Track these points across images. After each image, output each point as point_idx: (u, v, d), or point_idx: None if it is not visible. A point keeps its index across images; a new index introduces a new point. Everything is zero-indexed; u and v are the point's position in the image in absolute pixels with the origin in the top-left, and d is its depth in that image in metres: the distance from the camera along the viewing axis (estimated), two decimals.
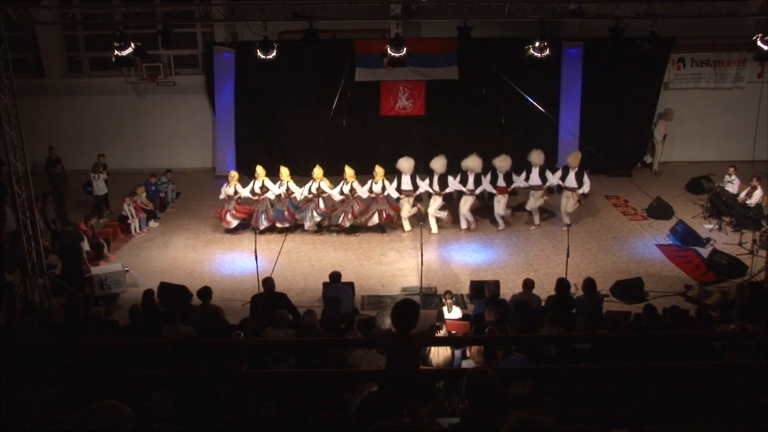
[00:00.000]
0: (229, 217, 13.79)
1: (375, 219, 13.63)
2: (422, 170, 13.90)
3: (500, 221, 13.96)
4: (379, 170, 13.51)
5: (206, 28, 17.04)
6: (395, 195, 13.61)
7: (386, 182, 13.51)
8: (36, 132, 15.69)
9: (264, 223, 13.60)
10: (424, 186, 13.59)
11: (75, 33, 17.37)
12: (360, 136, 17.01)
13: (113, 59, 11.75)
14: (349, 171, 13.59)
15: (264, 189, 13.60)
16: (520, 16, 11.88)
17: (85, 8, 12.36)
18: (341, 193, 13.55)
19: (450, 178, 13.61)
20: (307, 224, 13.78)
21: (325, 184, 13.53)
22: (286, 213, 13.61)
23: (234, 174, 13.86)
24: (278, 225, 13.71)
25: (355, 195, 13.54)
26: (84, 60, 17.69)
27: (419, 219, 13.79)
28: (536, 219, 14.08)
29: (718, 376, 5.60)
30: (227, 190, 13.65)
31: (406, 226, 13.82)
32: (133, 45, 11.53)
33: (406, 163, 13.57)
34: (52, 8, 12.80)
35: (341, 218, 13.61)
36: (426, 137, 16.73)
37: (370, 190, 13.49)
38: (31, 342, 7.80)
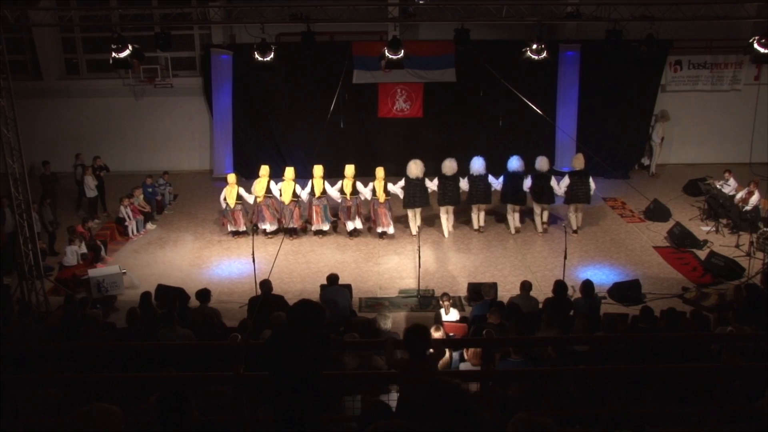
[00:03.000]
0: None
1: (389, 229, 13.58)
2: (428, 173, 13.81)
3: (514, 227, 13.90)
4: (379, 172, 13.42)
5: (204, 30, 17.07)
6: (401, 194, 13.50)
7: (389, 184, 13.43)
8: (33, 134, 15.72)
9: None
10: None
11: (72, 35, 17.38)
12: (358, 138, 17.02)
13: (111, 61, 11.74)
14: (349, 170, 13.47)
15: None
16: (517, 18, 11.90)
17: (83, 10, 12.35)
18: (341, 191, 13.44)
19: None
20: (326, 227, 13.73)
21: (324, 185, 13.48)
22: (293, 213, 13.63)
23: (233, 176, 13.79)
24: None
25: (358, 199, 13.51)
26: (81, 62, 17.69)
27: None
28: (540, 225, 13.92)
29: (716, 378, 5.60)
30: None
31: (414, 229, 13.59)
32: (130, 47, 11.52)
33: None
34: (50, 10, 12.80)
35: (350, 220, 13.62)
36: (424, 139, 16.75)
37: (374, 192, 13.41)
38: (28, 344, 7.77)
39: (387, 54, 12.22)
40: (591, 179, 13.58)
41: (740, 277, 11.54)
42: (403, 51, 12.17)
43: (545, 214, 13.88)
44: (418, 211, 13.63)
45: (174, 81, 17.09)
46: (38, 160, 15.29)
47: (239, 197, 13.54)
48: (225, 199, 13.56)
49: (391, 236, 13.68)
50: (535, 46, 12.12)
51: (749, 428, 4.39)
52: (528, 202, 14.09)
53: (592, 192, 13.66)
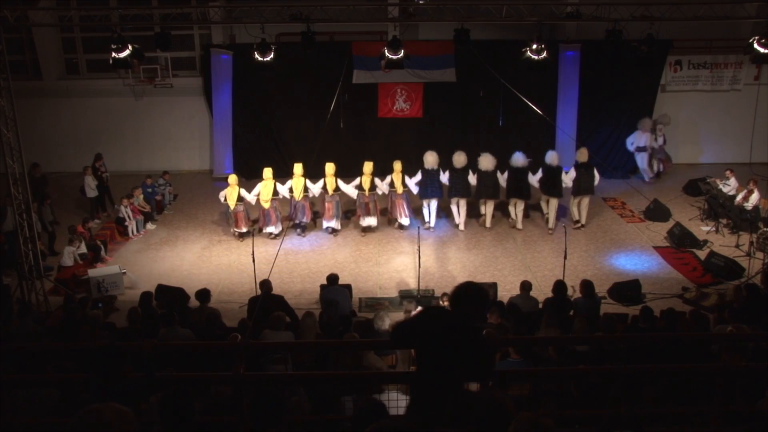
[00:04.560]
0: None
1: (404, 219, 13.93)
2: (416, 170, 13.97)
3: (519, 222, 14.11)
4: (396, 165, 13.73)
5: (204, 30, 17.05)
6: (415, 190, 13.81)
7: (406, 177, 13.75)
8: (33, 134, 15.71)
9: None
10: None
11: (72, 35, 17.37)
12: (358, 138, 17.01)
13: (111, 61, 11.75)
14: (367, 167, 13.71)
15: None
16: (517, 18, 11.90)
17: (83, 10, 12.34)
18: (359, 187, 13.68)
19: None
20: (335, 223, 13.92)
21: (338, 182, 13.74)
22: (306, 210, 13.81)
23: (234, 178, 13.66)
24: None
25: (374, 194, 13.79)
26: (81, 62, 17.68)
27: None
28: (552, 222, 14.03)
29: (716, 378, 5.60)
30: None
31: (426, 217, 14.04)
32: (130, 47, 11.52)
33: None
34: (50, 10, 12.81)
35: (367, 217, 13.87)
36: (423, 139, 16.72)
37: (391, 184, 13.70)
38: (28, 344, 7.77)
39: (387, 54, 12.23)
40: (595, 170, 13.88)
41: (740, 277, 11.54)
42: (403, 51, 12.18)
43: (553, 207, 13.89)
44: (434, 202, 13.87)
45: (174, 81, 17.08)
46: (38, 161, 15.27)
47: (240, 198, 13.45)
48: (225, 199, 13.49)
49: (406, 228, 14.01)
50: (535, 46, 12.12)
51: (749, 428, 4.38)
52: (532, 198, 14.25)
53: (596, 182, 13.91)
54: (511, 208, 14.06)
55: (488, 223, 14.04)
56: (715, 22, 12.33)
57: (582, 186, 13.71)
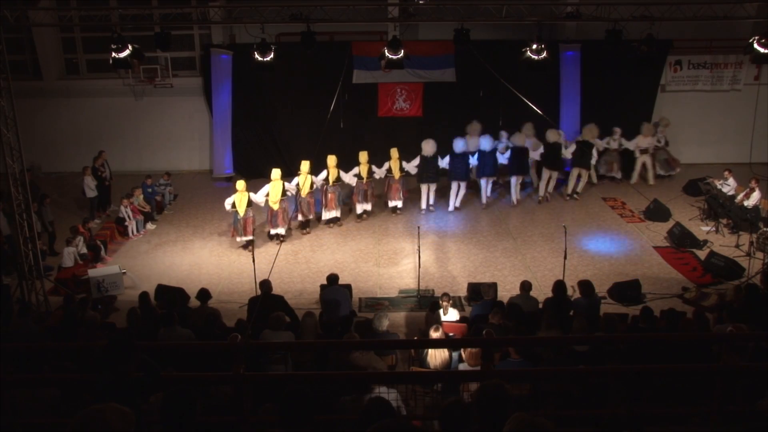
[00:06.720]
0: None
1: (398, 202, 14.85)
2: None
3: (516, 199, 15.41)
4: (394, 153, 14.45)
5: (204, 30, 17.07)
6: (414, 171, 14.70)
7: (404, 163, 14.62)
8: (33, 134, 15.71)
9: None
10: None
11: (72, 35, 17.38)
12: (357, 137, 17.01)
13: (111, 61, 11.73)
14: (363, 156, 14.26)
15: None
16: (517, 18, 11.90)
17: (83, 10, 12.34)
18: (357, 176, 14.22)
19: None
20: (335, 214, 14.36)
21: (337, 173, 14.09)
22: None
23: (242, 183, 13.14)
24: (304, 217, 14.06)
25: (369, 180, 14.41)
26: (81, 62, 17.69)
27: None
28: (542, 191, 15.54)
29: (716, 378, 5.60)
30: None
31: (424, 203, 15.07)
32: (130, 47, 11.52)
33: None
34: (50, 10, 12.79)
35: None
36: (423, 139, 16.70)
37: (389, 170, 14.53)
38: (28, 344, 7.77)
39: (387, 54, 12.22)
40: (594, 150, 15.51)
41: (740, 277, 11.54)
42: (403, 51, 12.17)
43: (552, 179, 15.42)
44: (432, 186, 14.89)
45: (174, 81, 17.08)
46: (38, 160, 15.27)
47: (249, 203, 13.03)
48: (233, 206, 12.96)
49: (401, 211, 14.97)
50: (535, 46, 12.13)
51: (749, 428, 4.38)
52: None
53: (593, 161, 15.61)
54: (513, 189, 15.34)
55: (488, 194, 15.29)
56: (715, 22, 12.33)
57: (577, 160, 15.29)
